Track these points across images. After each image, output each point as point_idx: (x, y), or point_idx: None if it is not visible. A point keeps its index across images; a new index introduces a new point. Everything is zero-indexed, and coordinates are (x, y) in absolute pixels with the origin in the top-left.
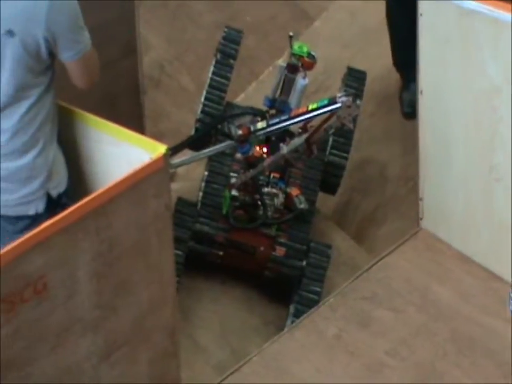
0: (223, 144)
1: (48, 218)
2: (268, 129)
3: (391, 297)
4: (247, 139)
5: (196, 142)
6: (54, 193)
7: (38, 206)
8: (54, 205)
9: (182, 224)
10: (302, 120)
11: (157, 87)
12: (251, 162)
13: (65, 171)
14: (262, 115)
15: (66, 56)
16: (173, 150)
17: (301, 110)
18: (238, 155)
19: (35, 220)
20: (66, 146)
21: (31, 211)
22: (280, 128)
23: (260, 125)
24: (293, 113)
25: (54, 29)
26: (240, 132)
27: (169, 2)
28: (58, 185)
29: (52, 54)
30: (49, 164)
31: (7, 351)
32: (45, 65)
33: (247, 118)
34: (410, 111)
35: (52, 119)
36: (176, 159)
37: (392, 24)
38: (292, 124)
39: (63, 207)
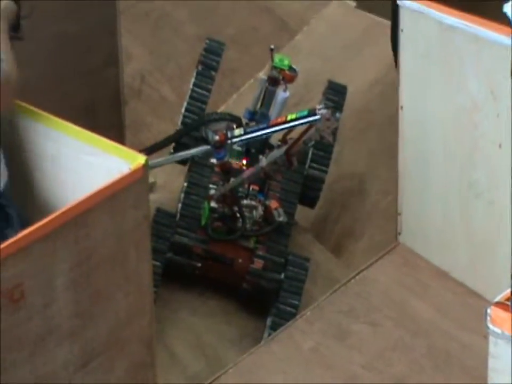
0: (199, 148)
1: None
2: (245, 137)
3: (369, 311)
4: (223, 145)
5: (173, 145)
6: None
7: None
8: None
9: (161, 235)
10: (280, 129)
11: (137, 97)
12: (226, 169)
13: (3, 172)
14: (239, 122)
15: None
16: (148, 150)
17: (279, 120)
18: (214, 162)
19: None
20: (42, 154)
21: None
22: (257, 136)
23: (237, 132)
24: (271, 123)
25: None
26: (216, 138)
27: (151, 12)
28: None
29: None
30: None
31: None
32: None
33: (225, 124)
34: None
35: None
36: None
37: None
38: (270, 133)
39: (1, 207)
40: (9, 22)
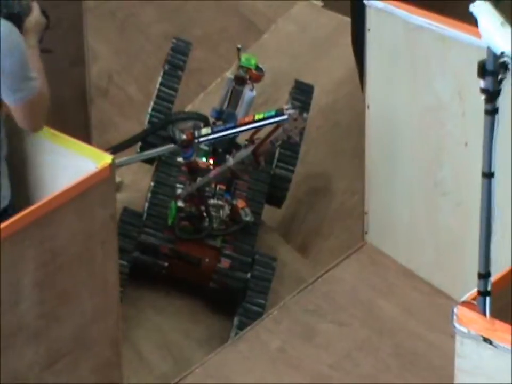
0: (166, 147)
1: None
2: (212, 136)
3: (335, 310)
4: (190, 144)
5: (139, 143)
6: None
7: None
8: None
9: (127, 234)
10: (247, 129)
11: (104, 97)
12: (193, 169)
13: (8, 184)
14: (206, 121)
15: (7, 100)
16: (114, 149)
17: (247, 120)
18: (181, 161)
19: None
20: (12, 155)
21: None
22: (224, 136)
23: (204, 131)
24: (238, 122)
25: None
26: (184, 137)
27: (118, 12)
28: (3, 200)
29: None
30: None
31: None
32: None
33: (192, 123)
34: None
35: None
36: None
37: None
38: (237, 132)
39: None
40: (39, 36)
